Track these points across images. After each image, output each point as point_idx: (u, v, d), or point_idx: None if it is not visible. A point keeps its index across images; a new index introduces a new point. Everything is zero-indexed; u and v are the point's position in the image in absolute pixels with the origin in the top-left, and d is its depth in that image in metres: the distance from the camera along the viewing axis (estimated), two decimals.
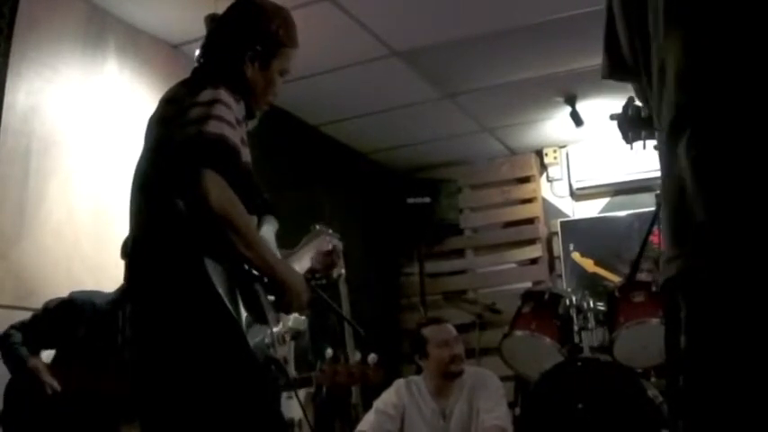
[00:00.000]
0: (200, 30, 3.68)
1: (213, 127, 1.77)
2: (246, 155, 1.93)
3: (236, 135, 1.84)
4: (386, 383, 3.64)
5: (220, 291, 1.74)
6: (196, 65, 2.07)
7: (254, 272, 1.86)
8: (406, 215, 5.97)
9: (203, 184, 1.71)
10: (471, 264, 6.28)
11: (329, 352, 2.94)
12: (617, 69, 1.06)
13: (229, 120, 1.82)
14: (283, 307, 1.95)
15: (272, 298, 1.93)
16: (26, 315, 3.09)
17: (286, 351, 1.95)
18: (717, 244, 0.86)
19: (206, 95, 1.83)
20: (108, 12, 3.94)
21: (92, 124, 3.80)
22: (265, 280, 1.88)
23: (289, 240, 2.23)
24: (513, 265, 6.10)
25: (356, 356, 2.98)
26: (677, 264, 0.91)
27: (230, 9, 2.11)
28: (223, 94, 1.85)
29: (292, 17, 2.12)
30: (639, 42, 1.07)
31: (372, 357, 2.92)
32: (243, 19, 2.07)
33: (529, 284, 5.75)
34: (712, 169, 0.87)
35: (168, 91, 2.01)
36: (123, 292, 3.08)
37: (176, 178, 1.76)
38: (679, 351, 0.87)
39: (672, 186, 0.95)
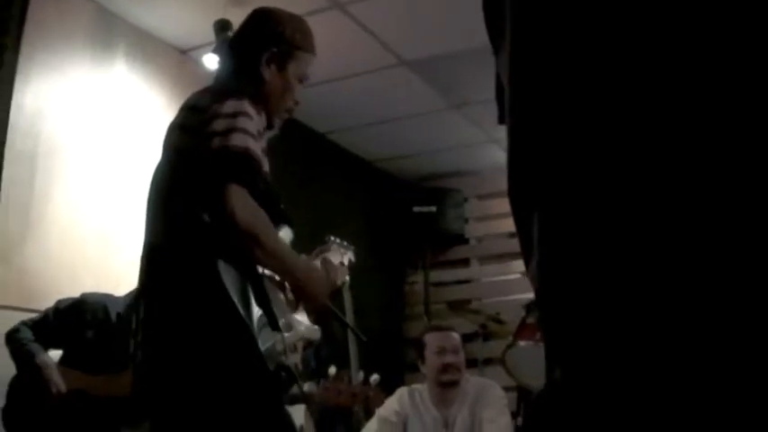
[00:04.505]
0: (209, 35, 3.70)
1: (238, 140, 1.77)
2: (266, 165, 1.94)
3: (259, 147, 1.85)
4: (389, 392, 3.63)
5: (233, 295, 1.74)
6: (212, 71, 2.10)
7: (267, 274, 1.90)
8: (411, 224, 5.97)
9: (228, 200, 1.72)
10: (476, 273, 6.26)
11: (332, 370, 2.92)
12: (504, 119, 1.16)
13: (252, 132, 1.83)
14: (305, 310, 2.01)
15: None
16: (29, 317, 3.08)
17: (297, 359, 1.95)
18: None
19: (230, 106, 1.83)
20: (117, 16, 3.97)
21: (99, 128, 3.81)
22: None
23: (294, 247, 2.23)
24: (518, 276, 6.07)
25: (359, 376, 2.97)
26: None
27: (247, 19, 2.14)
28: (247, 106, 1.86)
29: (308, 25, 2.15)
30: None
31: (375, 378, 2.91)
32: (258, 24, 2.10)
33: (533, 295, 5.71)
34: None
35: (190, 98, 2.02)
36: (136, 297, 3.08)
37: (200, 190, 1.77)
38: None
39: None
